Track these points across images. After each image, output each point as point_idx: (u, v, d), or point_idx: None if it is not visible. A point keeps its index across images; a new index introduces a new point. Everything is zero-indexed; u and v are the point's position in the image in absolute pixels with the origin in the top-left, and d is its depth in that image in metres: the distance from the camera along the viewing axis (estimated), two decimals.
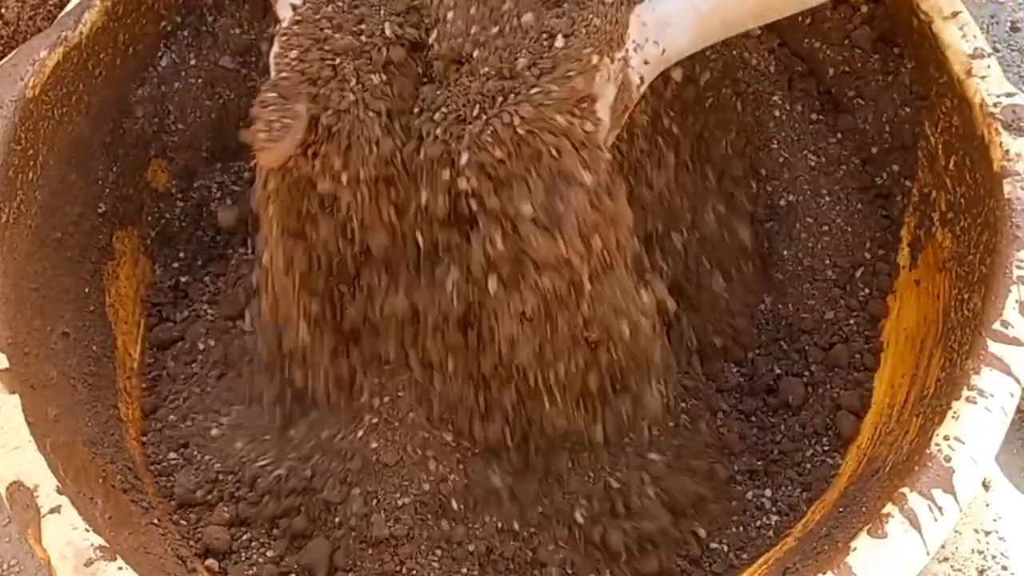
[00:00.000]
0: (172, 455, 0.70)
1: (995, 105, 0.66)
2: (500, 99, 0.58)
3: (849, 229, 0.78)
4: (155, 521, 0.64)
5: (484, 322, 0.63)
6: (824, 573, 0.51)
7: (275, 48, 0.62)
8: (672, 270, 0.76)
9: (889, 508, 0.53)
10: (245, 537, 0.66)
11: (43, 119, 0.69)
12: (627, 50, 0.61)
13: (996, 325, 0.58)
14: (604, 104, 0.60)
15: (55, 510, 0.53)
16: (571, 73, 0.58)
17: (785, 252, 0.79)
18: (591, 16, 0.59)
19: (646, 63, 0.62)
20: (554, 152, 0.57)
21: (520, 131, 0.56)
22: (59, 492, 0.54)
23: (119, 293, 0.76)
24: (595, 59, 0.58)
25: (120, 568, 0.52)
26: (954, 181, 0.69)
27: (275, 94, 0.60)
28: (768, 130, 0.80)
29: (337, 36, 0.61)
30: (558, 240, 0.59)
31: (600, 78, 0.59)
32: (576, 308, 0.62)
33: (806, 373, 0.75)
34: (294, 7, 0.63)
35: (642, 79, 0.62)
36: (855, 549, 0.52)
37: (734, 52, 0.80)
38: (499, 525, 0.65)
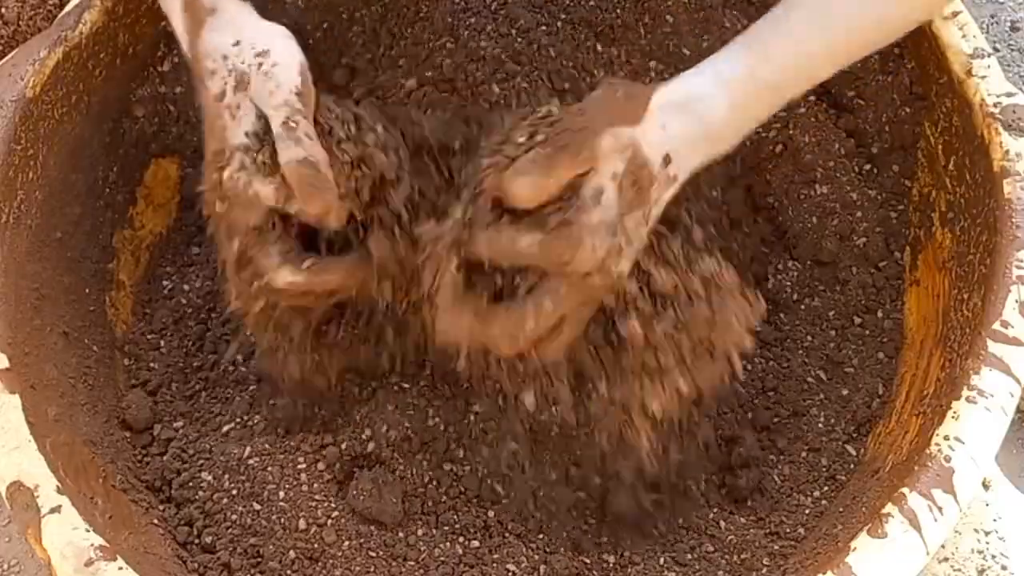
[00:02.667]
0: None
1: (995, 105, 0.66)
2: None
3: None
4: (155, 521, 0.64)
5: None
6: (824, 573, 0.51)
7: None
8: None
9: (889, 508, 0.53)
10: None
11: (43, 119, 0.69)
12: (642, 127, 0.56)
13: (996, 325, 0.58)
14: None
15: (55, 510, 0.53)
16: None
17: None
18: None
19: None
20: None
21: None
22: (59, 492, 0.54)
23: (119, 293, 0.76)
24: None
25: (120, 568, 0.52)
26: (954, 181, 0.69)
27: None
28: None
29: None
30: None
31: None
32: None
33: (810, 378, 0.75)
34: None
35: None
36: (855, 549, 0.52)
37: None
38: None
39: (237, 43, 0.61)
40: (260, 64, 0.60)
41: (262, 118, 0.60)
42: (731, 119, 0.58)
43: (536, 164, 0.55)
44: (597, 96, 0.57)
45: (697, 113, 0.57)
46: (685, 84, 0.58)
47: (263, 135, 0.59)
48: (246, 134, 0.59)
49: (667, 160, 0.56)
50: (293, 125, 0.59)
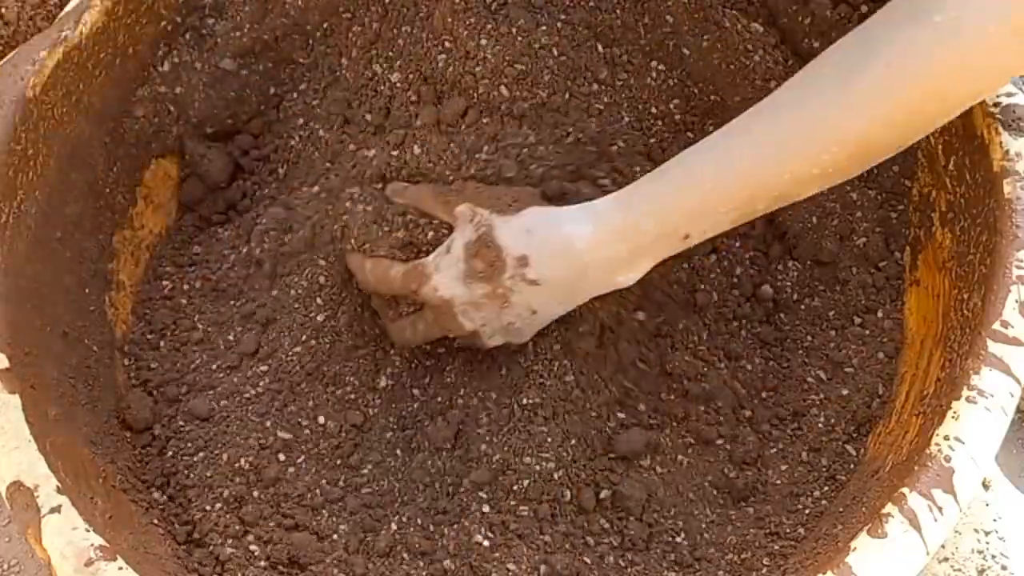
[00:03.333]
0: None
1: (995, 105, 0.66)
2: None
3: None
4: (155, 521, 0.64)
5: None
6: (824, 573, 0.51)
7: None
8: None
9: (889, 508, 0.53)
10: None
11: (43, 119, 0.69)
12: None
13: (996, 325, 0.58)
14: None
15: (55, 510, 0.53)
16: None
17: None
18: None
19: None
20: None
21: None
22: (59, 492, 0.54)
23: (119, 293, 0.76)
24: None
25: (120, 568, 0.52)
26: (954, 181, 0.69)
27: None
28: None
29: None
30: None
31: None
32: None
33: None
34: None
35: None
36: (855, 549, 0.52)
37: (730, 50, 0.80)
38: None
39: None
40: None
41: None
42: (595, 247, 0.61)
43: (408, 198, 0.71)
44: (491, 188, 0.67)
45: (562, 231, 0.62)
46: (561, 209, 0.64)
47: None
48: None
49: (524, 260, 0.61)
50: None
